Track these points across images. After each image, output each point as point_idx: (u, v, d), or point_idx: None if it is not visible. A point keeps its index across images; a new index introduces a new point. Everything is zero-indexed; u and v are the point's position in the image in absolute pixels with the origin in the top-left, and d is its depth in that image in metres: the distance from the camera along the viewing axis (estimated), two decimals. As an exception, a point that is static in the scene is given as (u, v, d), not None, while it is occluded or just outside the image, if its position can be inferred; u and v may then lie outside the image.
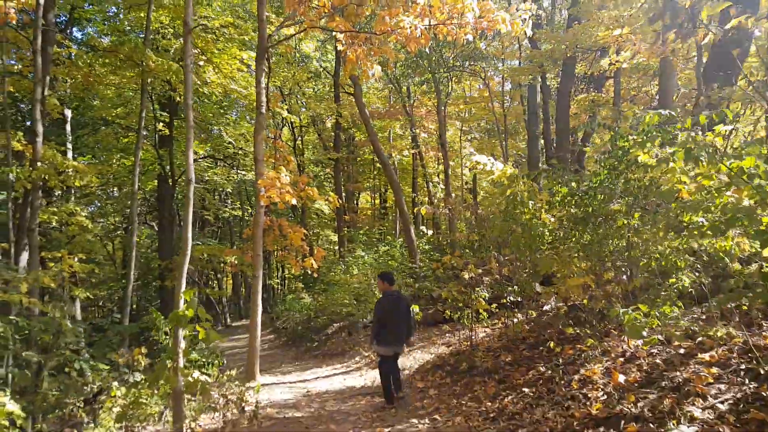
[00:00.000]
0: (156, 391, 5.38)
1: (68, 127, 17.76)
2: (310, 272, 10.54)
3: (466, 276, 10.49)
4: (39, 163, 8.21)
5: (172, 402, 4.86)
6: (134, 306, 27.63)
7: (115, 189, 23.63)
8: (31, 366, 6.58)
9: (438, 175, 26.38)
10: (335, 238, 25.52)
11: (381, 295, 6.14)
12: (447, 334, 10.77)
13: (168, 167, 17.11)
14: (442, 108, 17.76)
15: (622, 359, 4.58)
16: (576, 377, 4.56)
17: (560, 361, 5.11)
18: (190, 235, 5.70)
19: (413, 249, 15.62)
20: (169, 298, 17.60)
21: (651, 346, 4.34)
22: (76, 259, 10.24)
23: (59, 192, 17.15)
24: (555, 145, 17.71)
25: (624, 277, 4.96)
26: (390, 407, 6.18)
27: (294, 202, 8.98)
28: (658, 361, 4.22)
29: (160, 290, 18.57)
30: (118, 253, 31.10)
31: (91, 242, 10.36)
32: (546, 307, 9.68)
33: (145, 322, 12.09)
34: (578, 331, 4.98)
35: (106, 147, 18.13)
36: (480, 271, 10.54)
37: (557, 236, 5.37)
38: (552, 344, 4.98)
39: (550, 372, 5.02)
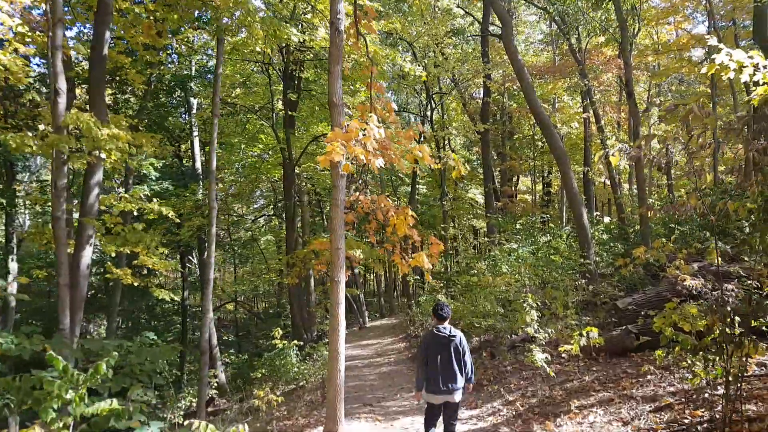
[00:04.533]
0: None
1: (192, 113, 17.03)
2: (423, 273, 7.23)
3: (689, 283, 6.08)
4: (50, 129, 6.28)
5: None
6: (272, 305, 27.24)
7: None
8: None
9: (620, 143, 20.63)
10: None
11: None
12: (649, 376, 6.47)
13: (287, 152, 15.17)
14: (628, 46, 12.76)
15: None
16: None
17: None
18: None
19: (586, 239, 11.31)
20: (294, 299, 15.72)
21: None
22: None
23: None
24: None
25: None
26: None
27: (380, 163, 5.66)
28: None
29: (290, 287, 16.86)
30: (270, 248, 31.37)
31: (139, 234, 8.37)
32: None
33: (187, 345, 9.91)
34: None
35: (226, 132, 17.00)
36: (695, 268, 6.55)
37: None
38: None
39: None
